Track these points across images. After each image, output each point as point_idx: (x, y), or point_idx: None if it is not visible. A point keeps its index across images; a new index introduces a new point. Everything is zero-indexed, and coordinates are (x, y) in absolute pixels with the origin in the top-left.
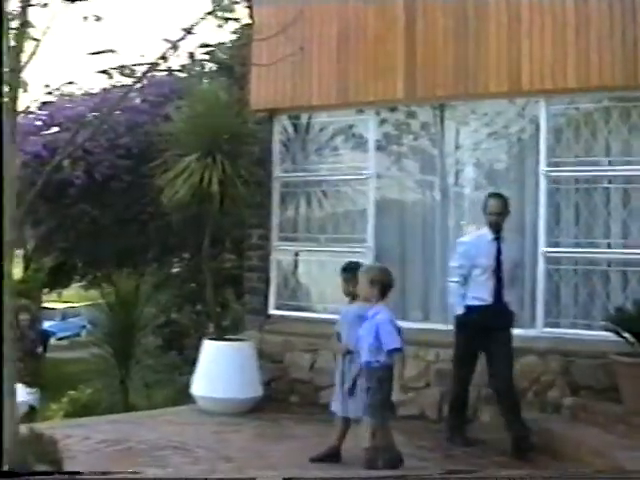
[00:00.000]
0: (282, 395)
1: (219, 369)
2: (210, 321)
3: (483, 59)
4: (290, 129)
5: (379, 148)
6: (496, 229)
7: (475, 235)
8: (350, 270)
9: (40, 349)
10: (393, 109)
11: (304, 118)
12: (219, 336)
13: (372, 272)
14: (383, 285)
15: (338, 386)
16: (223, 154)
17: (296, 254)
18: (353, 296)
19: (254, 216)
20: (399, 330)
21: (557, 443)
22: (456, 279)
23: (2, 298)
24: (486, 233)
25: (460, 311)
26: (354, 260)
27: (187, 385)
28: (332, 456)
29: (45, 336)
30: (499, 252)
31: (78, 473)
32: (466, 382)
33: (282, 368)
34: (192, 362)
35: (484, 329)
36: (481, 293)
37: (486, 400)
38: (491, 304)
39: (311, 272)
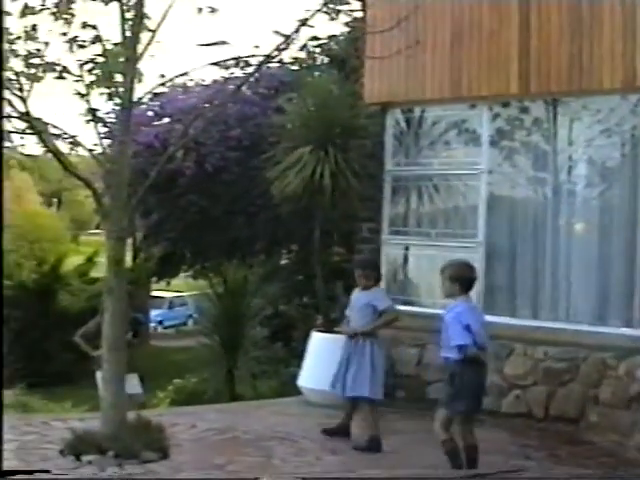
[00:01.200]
0: (389, 390)
1: (326, 361)
2: (318, 313)
3: (597, 55)
4: (402, 123)
5: (492, 143)
6: None
7: None
8: (359, 265)
9: (129, 335)
10: (506, 104)
11: (417, 112)
12: (327, 328)
13: (451, 269)
14: (463, 280)
15: (342, 367)
16: (335, 147)
17: (406, 248)
18: (364, 286)
19: (365, 209)
20: (468, 326)
21: None
22: None
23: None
24: None
25: None
26: (368, 256)
27: (292, 377)
28: (343, 433)
29: (137, 323)
30: None
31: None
32: None
33: (389, 362)
34: (298, 354)
35: None
36: None
37: (594, 400)
38: None
39: (421, 266)
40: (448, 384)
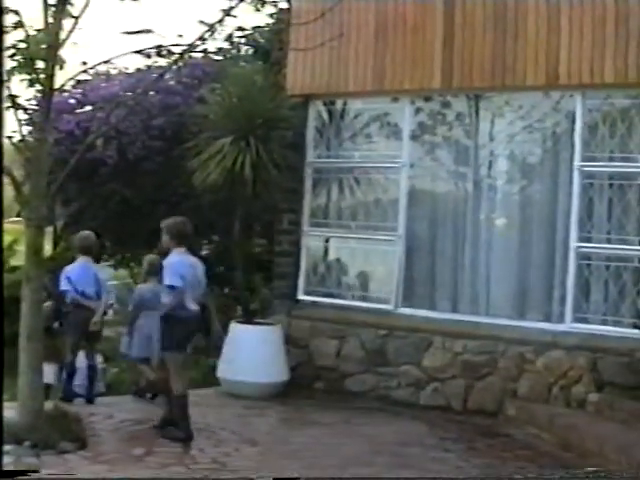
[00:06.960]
0: (307, 381)
1: (246, 352)
2: (238, 304)
3: (521, 51)
4: (325, 115)
5: (413, 137)
6: None
7: None
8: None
9: (56, 325)
10: (428, 98)
11: (339, 104)
12: (247, 320)
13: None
14: (82, 248)
15: None
16: (257, 138)
17: (326, 240)
18: None
19: (286, 201)
20: (69, 278)
21: (581, 439)
22: None
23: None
24: None
25: None
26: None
27: (213, 368)
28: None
29: (60, 312)
30: None
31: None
32: None
33: (308, 354)
34: (218, 345)
35: None
36: None
37: (512, 393)
38: None
39: (341, 258)
40: None
